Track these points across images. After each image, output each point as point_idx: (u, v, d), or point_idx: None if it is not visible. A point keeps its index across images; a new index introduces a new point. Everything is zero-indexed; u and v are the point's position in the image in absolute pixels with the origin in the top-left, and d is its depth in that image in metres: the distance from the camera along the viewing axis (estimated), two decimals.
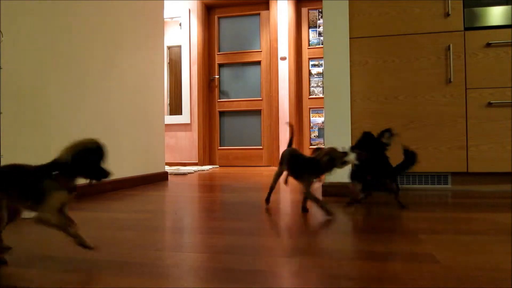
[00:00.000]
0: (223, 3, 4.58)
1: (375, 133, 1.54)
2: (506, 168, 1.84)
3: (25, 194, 0.80)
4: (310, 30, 4.43)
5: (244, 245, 0.96)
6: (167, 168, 3.91)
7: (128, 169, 2.40)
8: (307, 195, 1.35)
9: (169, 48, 4.81)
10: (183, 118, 4.58)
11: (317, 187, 2.00)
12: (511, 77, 1.84)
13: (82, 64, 1.97)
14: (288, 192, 2.00)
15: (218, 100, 4.65)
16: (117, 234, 1.11)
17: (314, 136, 4.39)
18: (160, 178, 2.80)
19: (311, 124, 4.40)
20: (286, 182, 1.66)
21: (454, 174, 1.99)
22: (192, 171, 3.56)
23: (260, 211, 1.45)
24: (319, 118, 4.39)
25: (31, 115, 1.63)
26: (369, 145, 1.50)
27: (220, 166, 4.59)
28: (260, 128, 4.52)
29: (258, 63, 4.55)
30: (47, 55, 1.73)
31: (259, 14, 4.55)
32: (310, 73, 4.41)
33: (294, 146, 1.62)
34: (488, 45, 1.86)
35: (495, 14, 1.86)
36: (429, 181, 2.01)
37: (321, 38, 4.39)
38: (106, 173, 0.83)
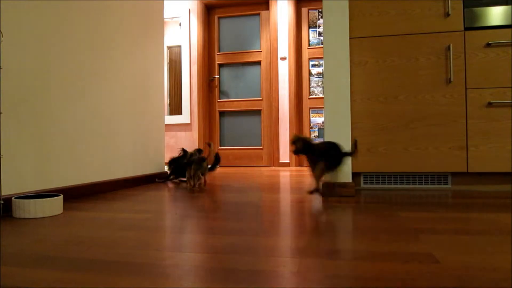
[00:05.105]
0: (223, 3, 4.58)
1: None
2: (506, 168, 1.84)
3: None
4: (310, 30, 4.43)
5: (244, 245, 0.96)
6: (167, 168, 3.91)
7: (128, 169, 2.40)
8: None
9: (169, 48, 4.81)
10: (183, 118, 4.58)
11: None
12: (511, 77, 1.84)
13: (82, 64, 1.97)
14: (288, 192, 2.00)
15: (218, 100, 4.65)
16: (117, 234, 1.11)
17: (314, 136, 4.39)
18: (160, 178, 2.80)
19: (311, 124, 4.40)
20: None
21: (454, 174, 1.99)
22: None
23: (260, 211, 1.45)
24: (319, 118, 4.39)
25: (31, 115, 1.63)
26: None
27: (220, 166, 4.59)
28: (260, 128, 4.52)
29: (258, 63, 4.55)
30: (47, 55, 1.73)
31: (259, 14, 4.55)
32: (310, 73, 4.41)
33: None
34: (488, 45, 1.86)
35: (495, 14, 1.86)
36: (429, 181, 2.01)
37: (321, 38, 4.38)
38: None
